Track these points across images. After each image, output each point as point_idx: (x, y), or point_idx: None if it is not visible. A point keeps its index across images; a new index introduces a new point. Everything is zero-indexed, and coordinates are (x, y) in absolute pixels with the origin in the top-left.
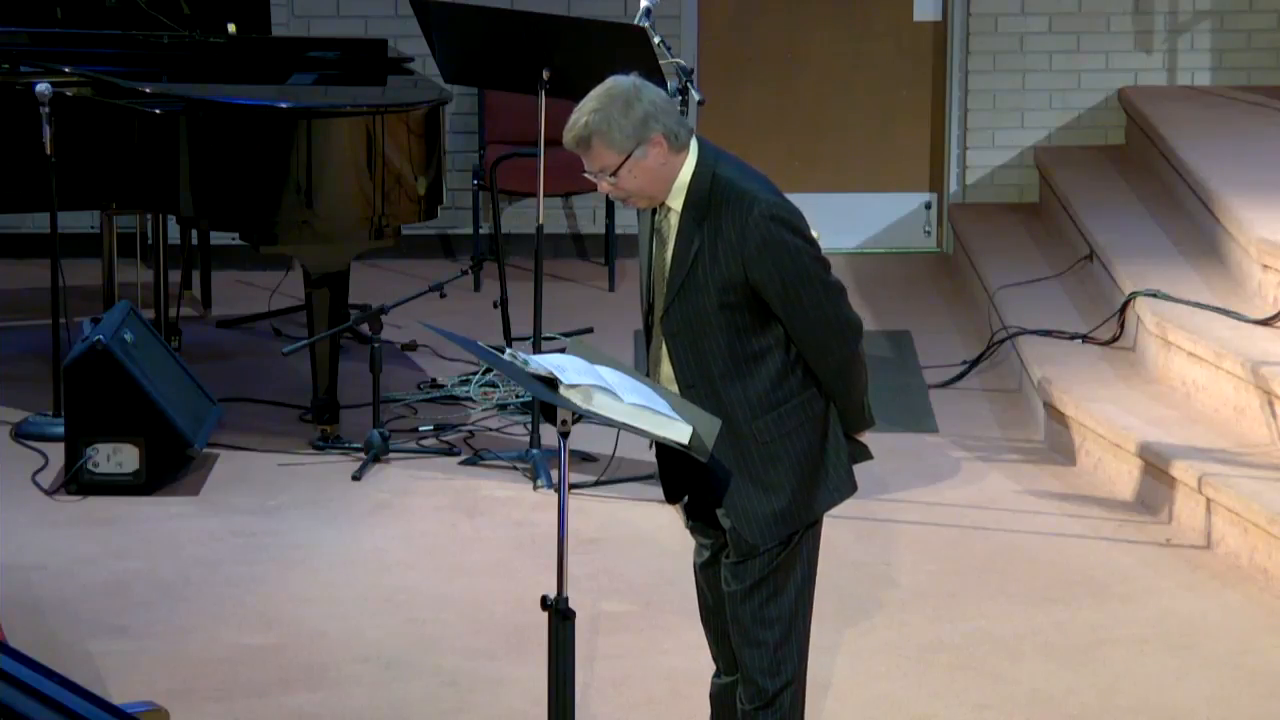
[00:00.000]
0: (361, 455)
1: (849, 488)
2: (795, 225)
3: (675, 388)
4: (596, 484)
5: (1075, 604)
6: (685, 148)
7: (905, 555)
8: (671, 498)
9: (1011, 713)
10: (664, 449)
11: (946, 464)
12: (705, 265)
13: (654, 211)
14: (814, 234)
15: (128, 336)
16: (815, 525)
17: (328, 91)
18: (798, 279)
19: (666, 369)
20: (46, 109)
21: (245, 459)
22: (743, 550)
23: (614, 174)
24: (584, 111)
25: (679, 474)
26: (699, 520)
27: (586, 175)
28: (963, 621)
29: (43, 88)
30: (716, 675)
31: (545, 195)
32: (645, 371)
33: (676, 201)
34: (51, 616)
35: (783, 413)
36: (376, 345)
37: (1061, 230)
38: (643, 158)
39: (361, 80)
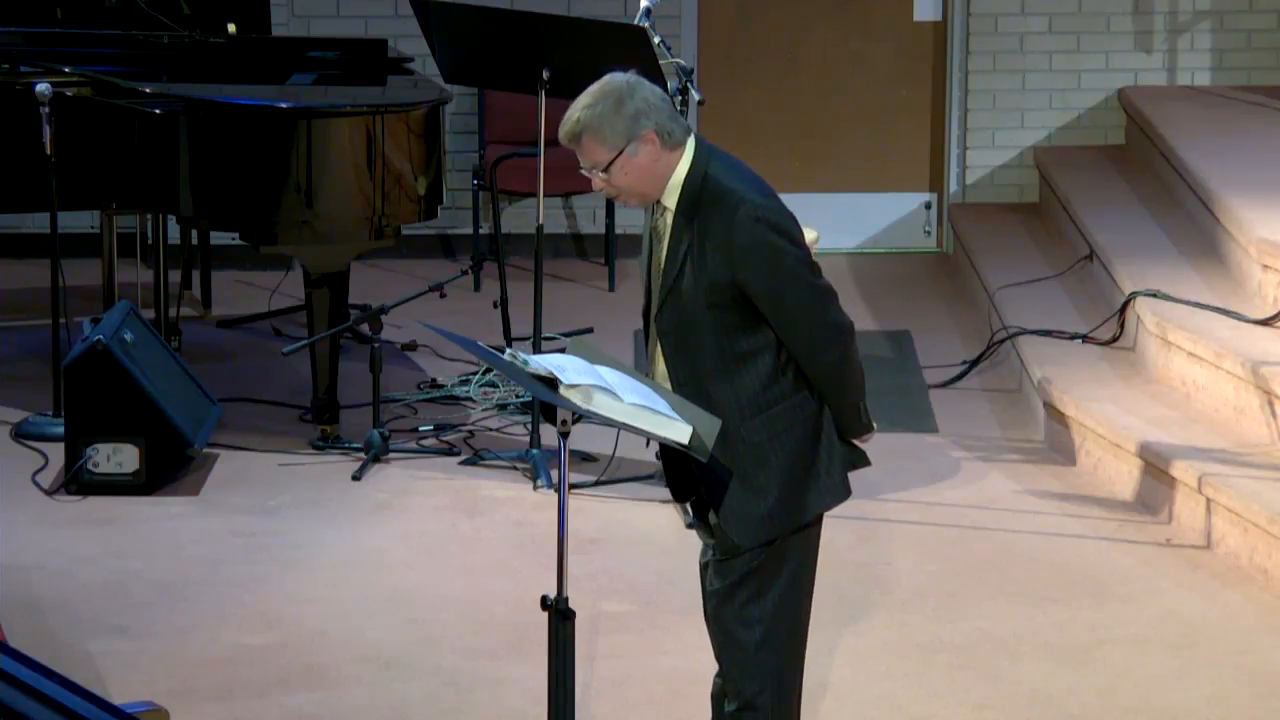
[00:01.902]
0: (361, 455)
1: (841, 493)
2: (781, 227)
3: (669, 386)
4: (596, 484)
5: (1075, 604)
6: (680, 146)
7: (905, 555)
8: (679, 496)
9: (1011, 713)
10: (667, 448)
11: (946, 464)
12: (694, 265)
13: (654, 209)
14: (812, 234)
15: (128, 336)
16: (808, 530)
17: (328, 91)
18: (783, 281)
19: (661, 367)
20: (46, 109)
21: (245, 459)
22: (726, 548)
23: (605, 170)
24: (577, 107)
25: (683, 473)
26: (702, 519)
27: (582, 171)
28: (963, 621)
29: (43, 88)
30: (719, 675)
31: (545, 195)
32: (644, 370)
33: (671, 200)
34: (51, 616)
35: (773, 415)
36: (376, 345)
37: (1061, 230)
38: (634, 155)
39: (361, 80)
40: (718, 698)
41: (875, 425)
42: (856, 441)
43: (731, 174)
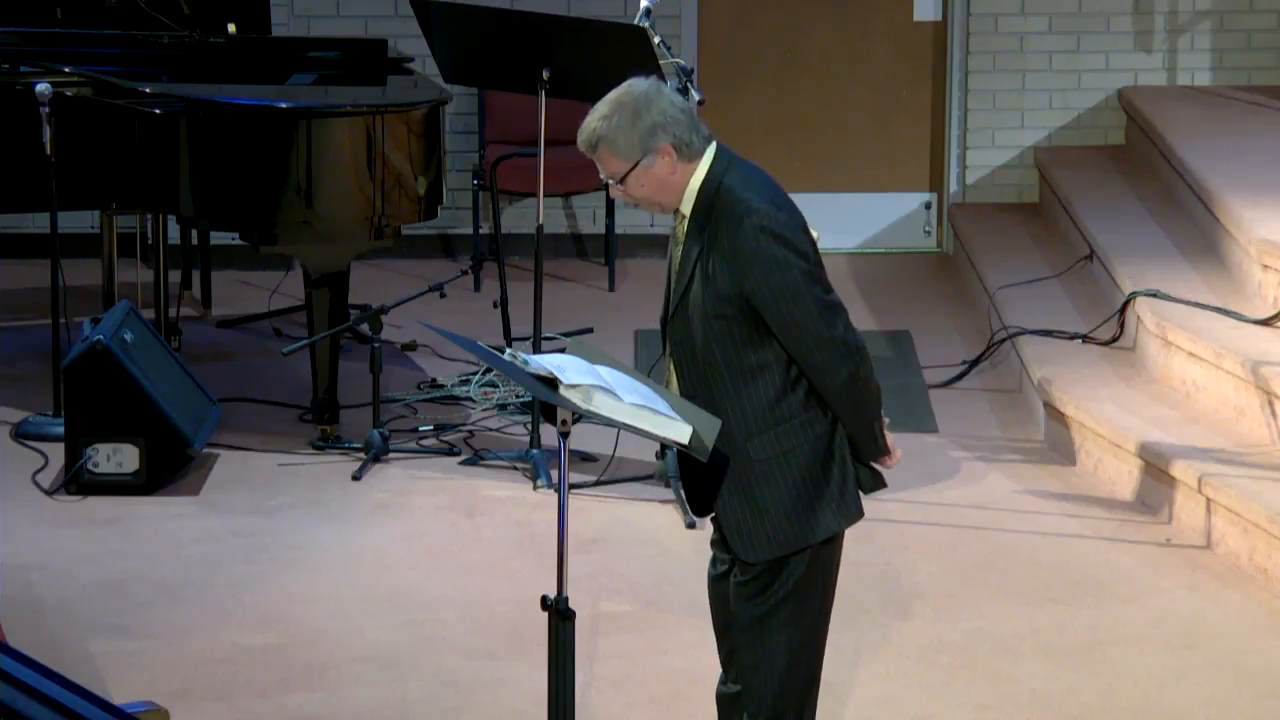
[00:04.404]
0: (361, 455)
1: (853, 514)
2: (787, 238)
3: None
4: (596, 484)
5: (1075, 604)
6: (698, 156)
7: (905, 555)
8: (699, 511)
9: (1011, 713)
10: (686, 468)
11: (946, 464)
12: (702, 274)
13: (676, 215)
14: (814, 234)
15: (128, 336)
16: (829, 549)
17: (328, 91)
18: (786, 293)
19: (674, 376)
20: (46, 109)
21: (245, 459)
22: (739, 564)
23: (621, 181)
24: (595, 116)
25: (701, 489)
26: (720, 535)
27: (602, 178)
28: (963, 621)
29: (43, 88)
30: (723, 681)
31: (545, 195)
32: (648, 373)
33: (688, 207)
34: (51, 616)
35: (780, 432)
36: (376, 345)
37: (1061, 230)
38: (650, 167)
39: (361, 80)
40: (724, 700)
41: (890, 450)
42: (876, 465)
43: (746, 183)
